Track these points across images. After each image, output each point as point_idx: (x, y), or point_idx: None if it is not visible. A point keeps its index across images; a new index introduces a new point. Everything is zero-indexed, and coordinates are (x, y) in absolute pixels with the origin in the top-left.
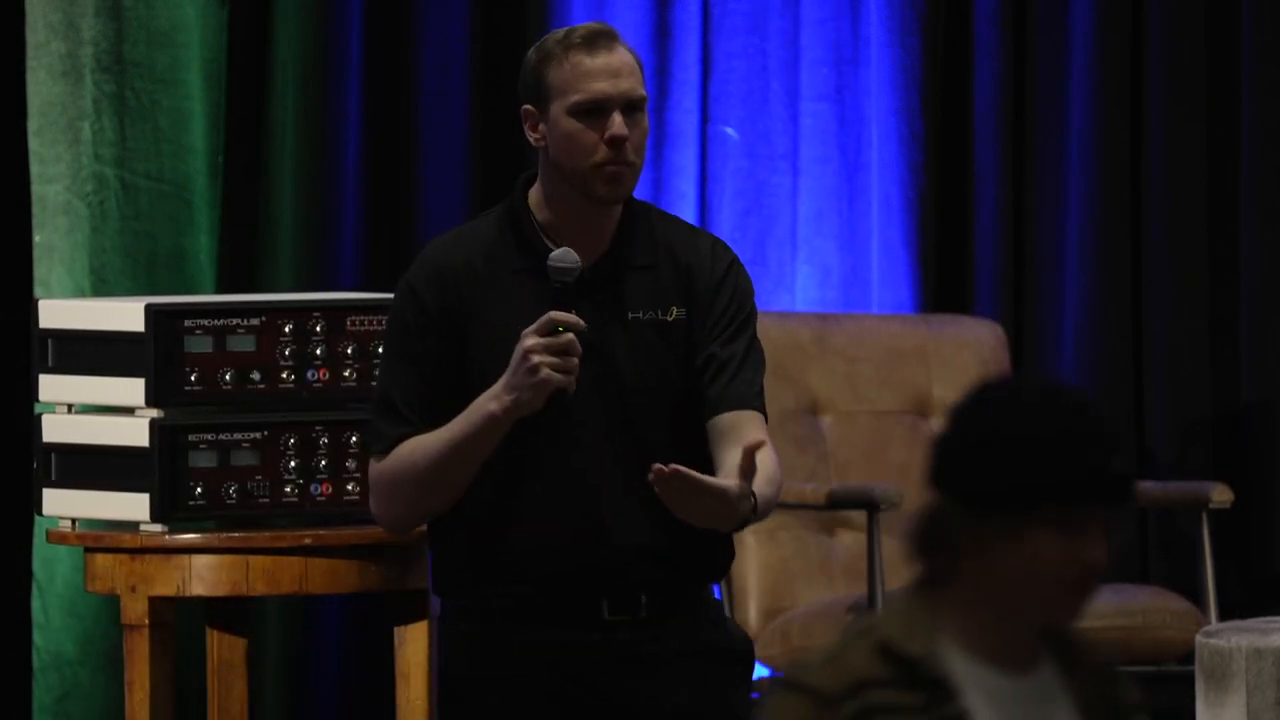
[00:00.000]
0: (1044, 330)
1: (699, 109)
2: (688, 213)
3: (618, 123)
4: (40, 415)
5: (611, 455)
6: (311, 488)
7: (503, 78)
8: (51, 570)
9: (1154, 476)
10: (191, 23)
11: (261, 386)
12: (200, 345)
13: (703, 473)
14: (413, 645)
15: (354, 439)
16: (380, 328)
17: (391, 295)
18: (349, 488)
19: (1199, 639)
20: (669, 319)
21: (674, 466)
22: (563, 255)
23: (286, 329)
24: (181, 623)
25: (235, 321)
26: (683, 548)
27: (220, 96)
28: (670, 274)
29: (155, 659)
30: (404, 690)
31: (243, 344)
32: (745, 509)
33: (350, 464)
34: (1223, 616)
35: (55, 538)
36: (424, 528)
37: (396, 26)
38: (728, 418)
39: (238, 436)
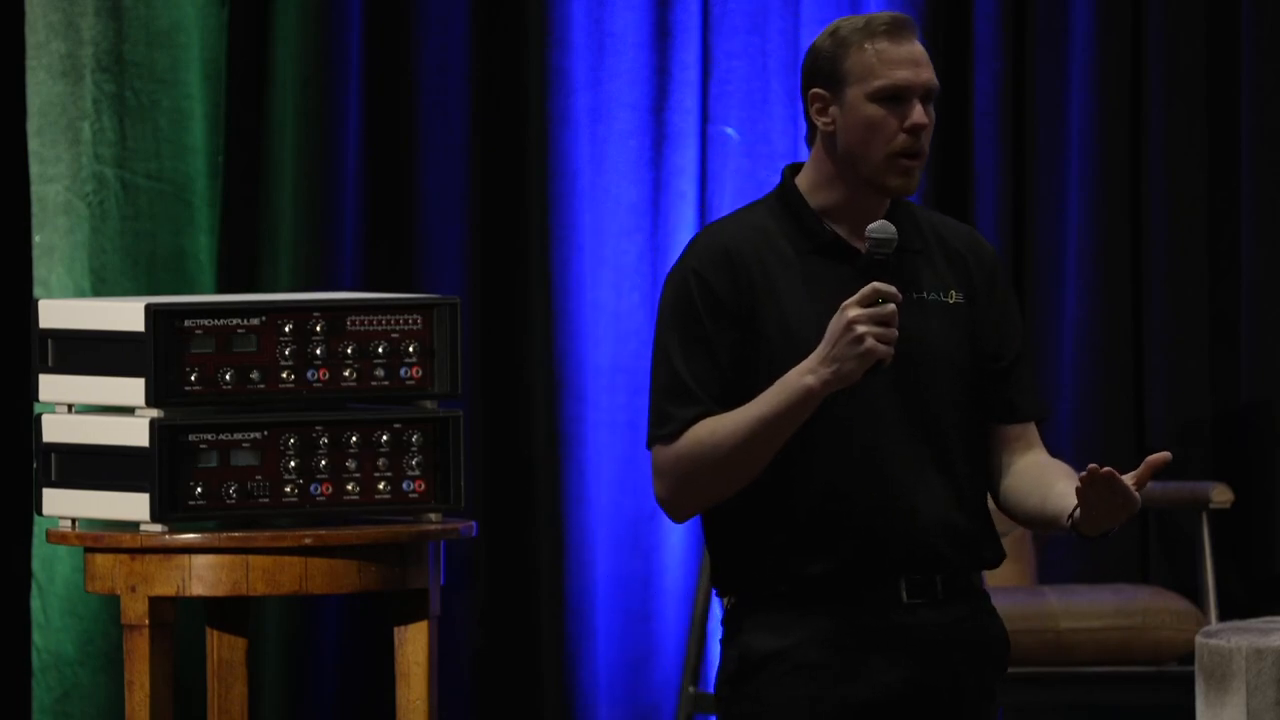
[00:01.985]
0: (1044, 330)
1: (699, 109)
2: (688, 213)
3: (919, 111)
4: (40, 415)
5: (903, 433)
6: (311, 488)
7: (503, 78)
8: (51, 570)
9: (1154, 477)
10: (191, 23)
11: (261, 386)
12: (201, 345)
13: (982, 446)
14: (413, 645)
15: (354, 439)
16: (380, 328)
17: (395, 294)
18: (349, 488)
19: (1199, 639)
20: (951, 301)
21: (1108, 470)
22: (881, 227)
23: (286, 329)
24: (181, 623)
25: (235, 321)
26: (971, 530)
27: (220, 96)
28: (943, 259)
29: (155, 659)
30: (404, 690)
31: (243, 344)
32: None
33: (350, 464)
34: (1223, 616)
35: (55, 538)
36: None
37: (396, 26)
38: (1017, 429)
39: (238, 436)
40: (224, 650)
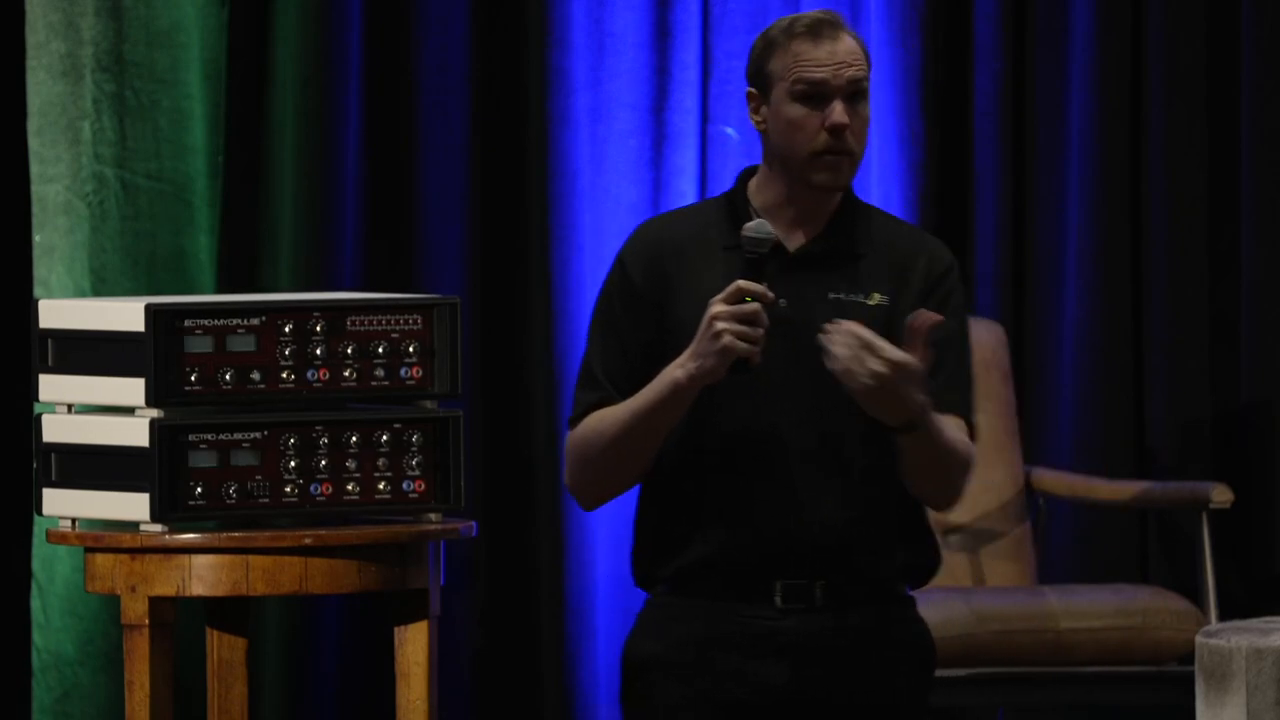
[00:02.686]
0: (1044, 330)
1: (699, 109)
2: None
3: (838, 110)
4: (40, 415)
5: (800, 435)
6: (311, 488)
7: (503, 78)
8: (51, 570)
9: (1154, 476)
10: (191, 23)
11: (261, 386)
12: (200, 345)
13: (890, 465)
14: (413, 645)
15: (354, 439)
16: (380, 328)
17: (395, 294)
18: (349, 488)
19: (1199, 639)
20: (869, 303)
21: (848, 324)
22: (757, 226)
23: (286, 329)
24: (181, 623)
25: (235, 321)
26: (876, 537)
27: (220, 96)
28: (881, 265)
29: (155, 659)
30: (404, 690)
31: (243, 344)
32: (918, 399)
33: (350, 464)
34: (1223, 616)
35: (55, 538)
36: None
37: (396, 26)
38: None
39: (238, 436)
40: (224, 650)
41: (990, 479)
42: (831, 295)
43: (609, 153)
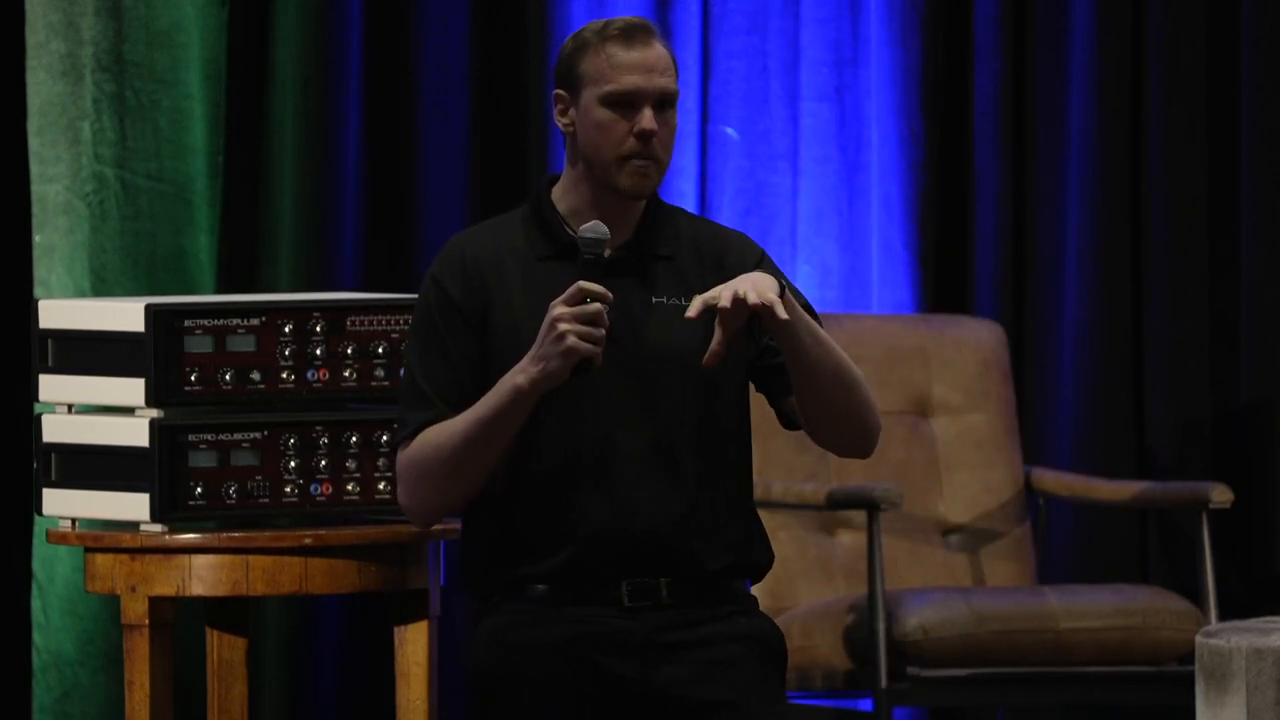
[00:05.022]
0: (1044, 330)
1: (699, 109)
2: None
3: (648, 117)
4: (40, 415)
5: (632, 436)
6: (311, 488)
7: (503, 78)
8: (51, 570)
9: (1154, 476)
10: (191, 23)
11: (261, 386)
12: (200, 345)
13: (738, 464)
14: (413, 645)
15: (354, 439)
16: (380, 328)
17: (395, 294)
18: (349, 488)
19: (1199, 639)
20: (689, 304)
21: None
22: (593, 227)
23: (286, 329)
24: (181, 623)
25: (235, 321)
26: (711, 535)
27: (220, 96)
28: (695, 264)
29: (155, 659)
30: (404, 690)
31: (243, 344)
32: (782, 305)
33: (350, 464)
34: (1223, 616)
35: (55, 538)
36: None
37: (396, 26)
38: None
39: (238, 436)
40: (224, 650)
41: (990, 479)
42: (655, 299)
43: None
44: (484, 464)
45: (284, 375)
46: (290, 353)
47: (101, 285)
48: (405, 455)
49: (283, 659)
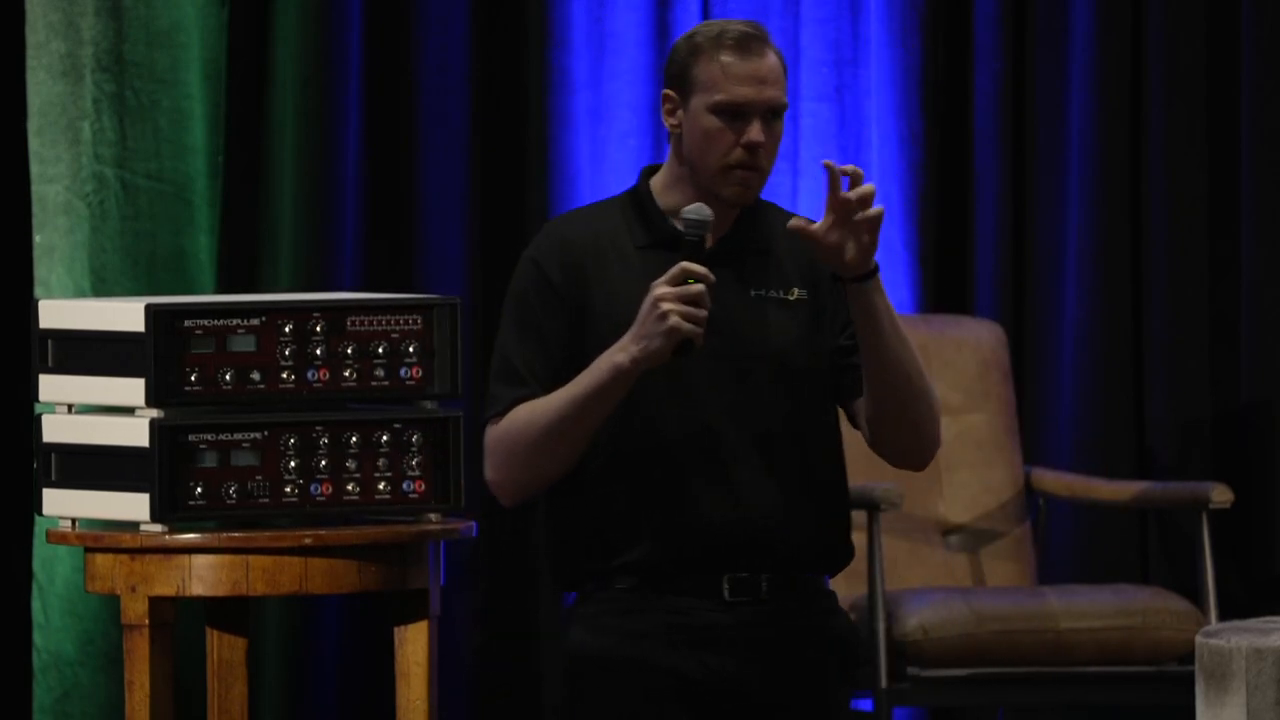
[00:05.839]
0: (1044, 330)
1: None
2: None
3: (756, 129)
4: (40, 415)
5: (732, 429)
6: (311, 488)
7: (503, 78)
8: (51, 570)
9: (1154, 476)
10: (191, 23)
11: (261, 386)
12: (201, 345)
13: (833, 460)
14: (413, 645)
15: (354, 439)
16: (380, 328)
17: (395, 294)
18: (349, 488)
19: (1199, 639)
20: (789, 298)
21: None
22: (697, 209)
23: (286, 329)
24: (181, 623)
25: (235, 321)
26: (810, 532)
27: (220, 96)
28: (791, 259)
29: (155, 659)
30: (404, 690)
31: (243, 344)
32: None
33: (350, 464)
34: (1223, 616)
35: (55, 538)
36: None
37: (396, 26)
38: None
39: (238, 436)
40: (224, 650)
41: (990, 479)
42: (753, 292)
43: (609, 153)
44: (577, 441)
45: (284, 375)
46: (290, 353)
47: (101, 285)
48: (495, 431)
49: (283, 659)
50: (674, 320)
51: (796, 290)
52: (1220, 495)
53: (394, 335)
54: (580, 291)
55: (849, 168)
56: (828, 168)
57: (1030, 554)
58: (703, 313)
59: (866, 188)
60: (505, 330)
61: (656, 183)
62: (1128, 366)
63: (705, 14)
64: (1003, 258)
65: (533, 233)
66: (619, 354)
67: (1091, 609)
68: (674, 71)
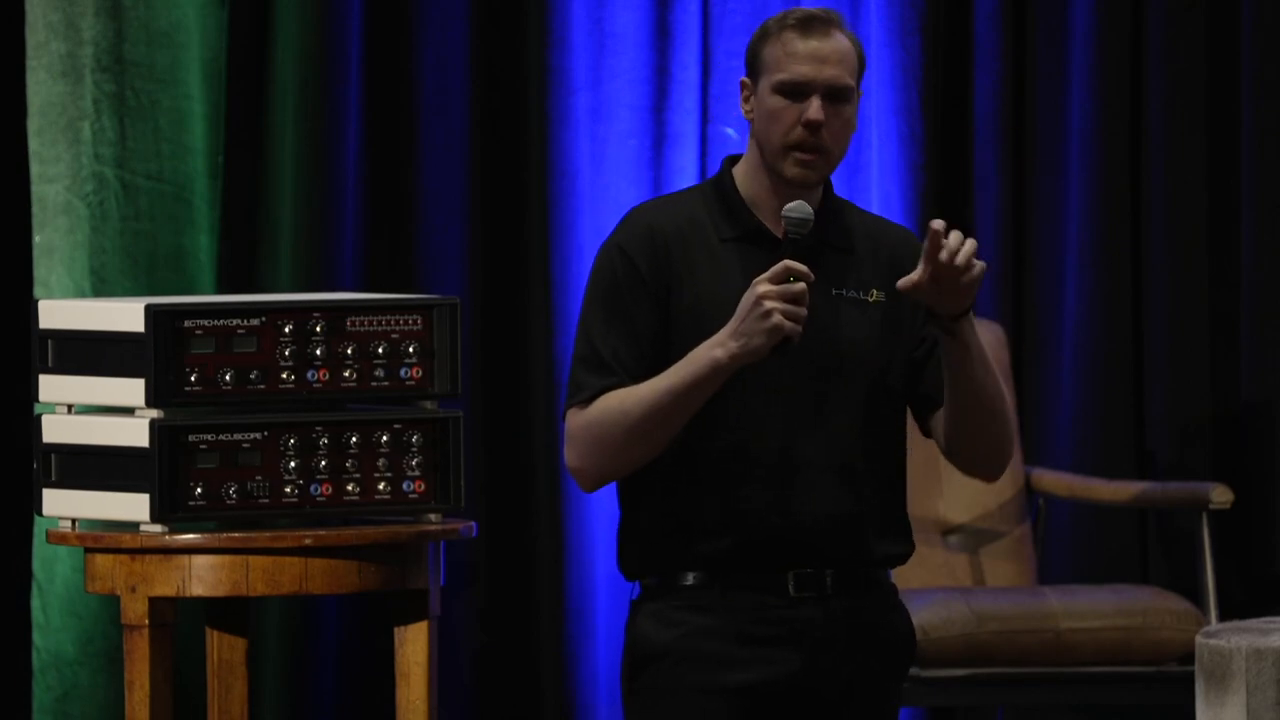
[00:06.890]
0: (1044, 330)
1: (699, 109)
2: None
3: (815, 107)
4: (40, 415)
5: (805, 427)
6: (311, 488)
7: (503, 77)
8: (51, 570)
9: (1154, 476)
10: (191, 23)
11: (262, 386)
12: (201, 345)
13: (898, 458)
14: (413, 645)
15: (354, 439)
16: (380, 328)
17: (395, 294)
18: (349, 488)
19: (1199, 639)
20: (869, 299)
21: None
22: (798, 207)
23: (287, 329)
24: (181, 623)
25: (236, 321)
26: (877, 528)
27: (220, 96)
28: (870, 259)
29: (155, 659)
30: (404, 690)
31: (243, 344)
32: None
33: (350, 464)
34: (1223, 616)
35: (55, 538)
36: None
37: (396, 26)
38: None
39: (238, 437)
40: (224, 650)
41: None
42: (835, 291)
43: (609, 153)
44: (668, 432)
45: (284, 375)
46: (290, 353)
47: (101, 285)
48: (581, 418)
49: (283, 659)
50: (777, 319)
51: (875, 292)
52: (1220, 495)
53: (394, 335)
54: (666, 281)
55: (955, 238)
56: (934, 230)
57: (1030, 554)
58: (804, 311)
59: (968, 247)
60: (590, 317)
61: (738, 172)
62: (1128, 366)
63: (705, 14)
64: (1003, 258)
65: (533, 233)
66: (717, 349)
67: (1091, 609)
68: (748, 58)
